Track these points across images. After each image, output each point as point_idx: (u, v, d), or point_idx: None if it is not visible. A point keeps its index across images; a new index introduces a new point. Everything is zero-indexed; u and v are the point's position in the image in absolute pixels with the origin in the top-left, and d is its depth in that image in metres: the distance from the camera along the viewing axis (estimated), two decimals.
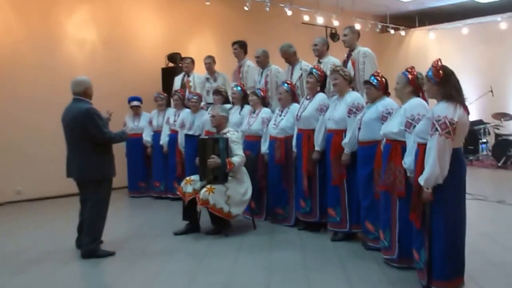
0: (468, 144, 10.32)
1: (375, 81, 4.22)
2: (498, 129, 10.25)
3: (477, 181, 8.34)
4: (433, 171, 3.12)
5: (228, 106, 6.26)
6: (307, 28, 10.27)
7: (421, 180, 3.20)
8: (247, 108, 6.00)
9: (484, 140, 10.27)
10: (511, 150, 9.29)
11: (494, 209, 6.08)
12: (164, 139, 7.14)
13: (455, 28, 11.96)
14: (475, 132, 10.06)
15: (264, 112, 5.70)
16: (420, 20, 12.90)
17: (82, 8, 7.89)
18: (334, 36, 10.33)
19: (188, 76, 7.48)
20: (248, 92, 6.07)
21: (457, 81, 3.31)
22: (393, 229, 3.86)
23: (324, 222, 5.02)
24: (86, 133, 4.16)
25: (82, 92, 4.30)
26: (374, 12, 12.46)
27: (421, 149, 3.33)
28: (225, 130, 5.17)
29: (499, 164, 9.35)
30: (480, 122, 10.40)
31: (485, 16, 11.34)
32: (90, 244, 4.31)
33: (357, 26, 10.22)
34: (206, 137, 5.23)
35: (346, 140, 4.50)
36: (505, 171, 9.08)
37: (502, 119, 10.09)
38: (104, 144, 4.29)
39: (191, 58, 7.55)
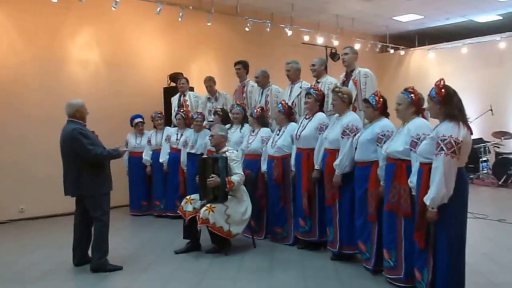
0: (468, 163, 10.16)
1: (373, 100, 4.25)
2: (498, 147, 10.27)
3: (478, 199, 8.33)
4: (439, 190, 3.15)
5: (227, 125, 6.34)
6: (307, 48, 10.38)
7: (427, 199, 3.22)
8: (247, 127, 6.06)
9: (484, 159, 10.27)
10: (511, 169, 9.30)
11: (494, 228, 6.06)
12: (163, 158, 7.18)
13: (454, 48, 12.06)
14: (475, 150, 10.07)
15: (263, 131, 5.75)
16: (420, 40, 13.03)
17: (86, 30, 8.02)
18: (334, 55, 10.44)
19: (184, 95, 7.57)
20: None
21: (460, 101, 3.36)
22: (399, 248, 3.85)
23: (324, 241, 5.02)
24: (73, 152, 4.37)
25: (72, 114, 4.53)
26: (373, 32, 12.60)
27: (425, 168, 3.36)
28: (224, 149, 5.20)
29: (500, 183, 9.35)
30: (480, 140, 10.42)
31: (484, 36, 11.46)
32: (100, 259, 4.46)
33: (357, 46, 10.37)
34: (206, 156, 5.24)
35: (336, 162, 4.52)
36: (505, 189, 9.08)
37: (502, 138, 10.10)
38: (93, 161, 4.41)
39: (185, 78, 7.67)
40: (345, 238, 4.60)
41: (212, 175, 4.89)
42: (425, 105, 3.68)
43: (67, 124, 4.51)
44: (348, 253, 4.66)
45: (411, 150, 3.66)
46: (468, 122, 3.35)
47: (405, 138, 3.74)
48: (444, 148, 3.17)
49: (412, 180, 3.58)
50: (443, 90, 3.33)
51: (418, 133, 3.64)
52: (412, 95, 3.83)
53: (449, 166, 3.16)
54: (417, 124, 3.74)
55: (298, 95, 5.86)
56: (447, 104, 3.31)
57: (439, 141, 3.21)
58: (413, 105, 3.82)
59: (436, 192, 3.17)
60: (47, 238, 6.09)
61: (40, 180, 7.21)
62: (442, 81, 3.39)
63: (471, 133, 3.34)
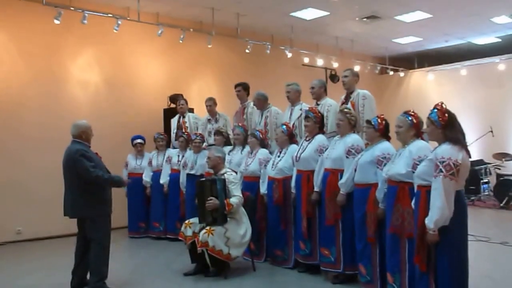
0: (469, 184, 10.28)
1: (376, 122, 4.25)
2: (499, 169, 10.25)
3: (480, 222, 8.27)
4: (442, 212, 3.15)
5: (229, 147, 6.32)
6: (307, 70, 10.45)
7: (430, 222, 3.20)
8: (247, 148, 6.04)
9: (485, 180, 10.24)
10: None
11: (497, 250, 6.01)
12: (164, 179, 7.16)
13: (453, 70, 12.14)
14: (476, 172, 10.03)
15: (261, 153, 5.72)
16: (419, 61, 13.12)
17: (87, 51, 8.08)
18: (333, 77, 10.49)
19: (184, 117, 7.58)
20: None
21: (460, 125, 3.39)
22: (403, 272, 3.81)
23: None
24: (75, 172, 4.36)
25: (77, 135, 4.54)
26: (373, 53, 12.69)
27: (422, 191, 3.36)
28: (222, 171, 5.17)
29: (501, 205, 9.29)
30: (481, 162, 10.40)
31: (483, 58, 11.54)
32: (97, 282, 4.38)
33: (357, 68, 10.45)
34: (204, 179, 5.20)
35: (343, 181, 4.49)
36: (507, 211, 9.01)
37: (503, 159, 10.09)
38: (94, 183, 4.38)
39: (184, 100, 7.73)
40: (348, 258, 4.56)
41: (211, 197, 4.85)
42: (424, 127, 3.68)
43: (72, 144, 4.51)
44: (351, 273, 4.60)
45: (413, 172, 3.63)
46: (467, 146, 3.34)
47: (407, 160, 3.73)
48: (443, 170, 3.18)
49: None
50: (446, 115, 3.36)
51: (420, 155, 3.63)
52: (413, 118, 3.84)
53: (448, 188, 3.16)
54: (419, 146, 3.74)
55: (298, 117, 5.85)
56: (451, 128, 3.34)
57: (438, 163, 3.22)
58: (414, 128, 3.83)
59: (439, 214, 3.16)
60: (44, 260, 6.01)
61: (38, 201, 7.18)
62: (443, 105, 3.41)
63: (470, 157, 3.35)
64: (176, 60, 9.14)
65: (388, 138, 4.30)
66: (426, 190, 3.31)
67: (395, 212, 3.79)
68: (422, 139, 3.84)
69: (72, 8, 7.33)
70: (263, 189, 5.56)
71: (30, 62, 7.44)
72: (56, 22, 7.09)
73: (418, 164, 3.57)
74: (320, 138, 5.03)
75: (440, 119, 3.35)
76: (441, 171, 3.18)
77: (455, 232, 3.23)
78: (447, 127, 3.33)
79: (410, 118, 3.84)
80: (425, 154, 3.59)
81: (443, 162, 3.19)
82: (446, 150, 3.24)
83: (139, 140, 7.49)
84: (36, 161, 7.26)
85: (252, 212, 5.33)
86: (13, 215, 7.04)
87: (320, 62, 10.73)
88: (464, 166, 3.23)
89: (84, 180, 4.35)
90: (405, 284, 3.79)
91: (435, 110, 3.40)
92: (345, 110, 4.74)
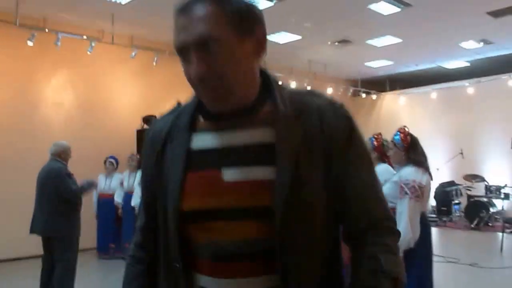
0: (441, 205, 10.47)
1: None
2: (470, 190, 10.44)
3: (450, 243, 8.40)
4: (406, 234, 3.14)
5: None
6: None
7: None
8: None
9: (457, 201, 10.43)
10: (484, 212, 9.41)
11: (466, 272, 6.08)
12: (136, 201, 7.08)
13: (424, 93, 12.43)
14: (447, 193, 10.22)
15: None
16: (391, 84, 13.40)
17: (61, 73, 8.06)
18: None
19: None
20: None
21: (422, 148, 3.45)
22: None
23: None
24: (55, 191, 4.40)
25: (58, 154, 4.64)
26: (346, 77, 12.91)
27: None
28: None
29: (472, 226, 9.43)
30: (452, 183, 10.59)
31: (453, 81, 11.85)
32: None
33: (330, 90, 10.61)
34: None
35: None
36: (478, 232, 9.15)
37: (473, 181, 10.28)
38: (72, 200, 4.47)
39: None
40: None
41: None
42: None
43: (51, 162, 4.59)
44: None
45: None
46: (429, 169, 3.41)
47: None
48: (408, 192, 3.21)
49: None
50: (408, 137, 3.42)
51: (381, 179, 3.64)
52: (375, 141, 3.92)
53: (414, 209, 3.19)
54: (380, 170, 3.74)
55: None
56: (413, 150, 3.40)
57: (403, 185, 3.25)
58: (375, 151, 3.91)
59: (403, 236, 3.16)
60: (12, 281, 5.90)
61: (5, 221, 7.01)
62: (406, 128, 3.48)
63: (432, 179, 3.41)
64: (150, 82, 9.15)
65: None
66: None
67: None
68: (389, 162, 3.87)
69: (46, 30, 7.32)
70: None
71: (4, 83, 7.37)
72: (30, 43, 7.07)
73: None
74: None
75: (403, 141, 3.41)
76: (406, 193, 3.21)
77: (421, 253, 3.25)
78: (410, 149, 3.39)
79: (372, 141, 3.92)
80: (386, 177, 3.61)
81: (408, 184, 3.22)
82: (411, 173, 3.28)
83: (109, 159, 7.50)
84: (4, 181, 7.13)
85: None
86: None
87: (293, 84, 10.85)
88: (427, 188, 3.29)
89: (62, 199, 4.41)
90: None
91: (398, 133, 3.48)
92: None
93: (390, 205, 3.26)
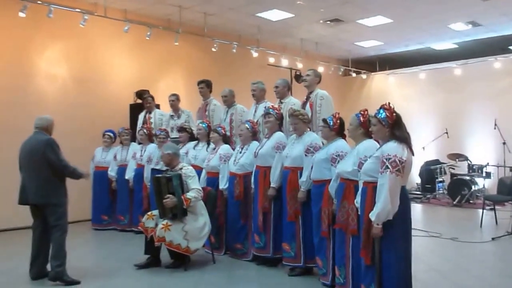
0: (426, 183, 10.76)
1: (331, 121, 4.42)
2: (453, 168, 10.72)
3: (433, 218, 8.68)
4: (384, 206, 3.29)
5: (193, 143, 6.43)
6: (272, 70, 10.65)
7: (373, 215, 3.35)
8: (212, 145, 6.17)
9: (440, 179, 10.72)
10: (465, 189, 9.69)
11: (447, 246, 6.29)
12: (129, 174, 7.23)
13: (413, 73, 12.60)
14: (432, 171, 10.50)
15: (222, 148, 5.84)
16: (381, 64, 13.53)
17: (55, 45, 8.06)
18: (298, 77, 10.71)
19: (150, 113, 7.70)
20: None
21: (405, 125, 3.56)
22: (347, 266, 3.95)
23: (278, 257, 5.07)
24: (45, 161, 4.48)
25: (44, 127, 4.70)
26: (337, 56, 13.02)
27: (369, 187, 3.51)
28: (178, 166, 5.22)
29: (454, 203, 9.71)
30: (436, 162, 10.87)
31: (441, 62, 12.02)
32: (58, 267, 4.48)
33: (321, 69, 10.72)
34: (159, 175, 5.20)
35: (303, 179, 4.64)
36: (459, 209, 9.43)
37: (457, 160, 10.54)
38: (60, 171, 4.55)
39: (151, 97, 7.83)
40: (309, 252, 4.71)
41: (168, 195, 4.92)
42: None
43: (37, 134, 4.63)
44: (312, 266, 4.77)
45: (358, 171, 3.76)
46: (411, 145, 3.52)
47: (354, 159, 3.88)
48: (390, 166, 3.32)
49: (358, 200, 3.72)
50: (394, 114, 3.52)
51: (366, 154, 3.75)
52: (362, 117, 4.00)
53: (394, 183, 3.31)
54: (366, 146, 3.89)
55: (262, 115, 6.00)
56: (397, 127, 3.50)
57: (384, 160, 3.37)
58: (361, 127, 3.98)
59: (382, 208, 3.30)
60: (1, 252, 6.00)
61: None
62: (391, 105, 3.58)
63: (413, 155, 3.52)
64: (143, 56, 9.19)
65: (343, 137, 4.46)
66: (372, 186, 3.46)
67: (341, 208, 3.96)
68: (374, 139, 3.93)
69: (39, 2, 7.28)
70: (222, 184, 5.68)
71: None
72: (21, 14, 7.04)
73: (363, 163, 3.69)
74: (278, 135, 5.17)
75: (389, 118, 3.51)
76: (387, 167, 3.32)
77: (400, 226, 3.38)
78: (394, 126, 3.49)
79: (358, 117, 4.02)
80: (371, 153, 3.69)
81: (389, 159, 3.34)
82: (392, 148, 3.40)
83: (107, 132, 7.61)
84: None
85: (213, 206, 5.44)
86: None
87: (285, 62, 10.95)
88: (408, 164, 3.40)
89: (52, 168, 4.48)
90: (348, 278, 3.96)
91: (383, 110, 3.56)
92: (294, 113, 4.85)
93: (371, 179, 3.44)
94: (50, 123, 4.74)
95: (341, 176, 4.02)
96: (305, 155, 4.66)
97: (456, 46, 11.93)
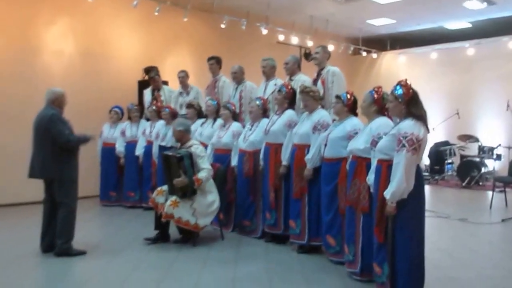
0: (434, 164, 10.69)
1: (345, 97, 4.36)
2: (463, 150, 10.64)
3: (442, 200, 8.62)
4: (400, 185, 3.23)
5: (201, 120, 6.39)
6: (282, 47, 10.51)
7: (387, 194, 3.29)
8: (219, 121, 6.12)
9: (450, 161, 10.63)
10: (475, 171, 9.62)
11: (455, 227, 6.27)
12: (139, 150, 7.22)
13: (424, 53, 12.40)
14: (441, 152, 10.41)
15: (235, 126, 5.82)
16: (392, 43, 13.33)
17: (61, 20, 7.97)
18: (307, 55, 10.59)
19: (159, 90, 7.62)
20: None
21: (422, 102, 3.47)
22: (356, 243, 3.94)
23: (288, 235, 5.06)
24: (49, 136, 4.49)
25: (51, 101, 4.66)
26: (347, 34, 12.81)
27: (383, 165, 3.44)
28: (189, 143, 5.17)
29: (464, 184, 9.66)
30: (446, 143, 10.76)
31: (454, 42, 11.82)
32: (63, 244, 4.53)
33: (330, 48, 10.52)
34: (170, 153, 5.12)
35: (309, 156, 4.60)
36: (468, 190, 9.39)
37: (467, 141, 10.43)
38: (65, 146, 4.53)
39: (158, 75, 7.76)
40: (313, 231, 4.70)
41: (178, 178, 4.87)
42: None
43: (45, 109, 4.62)
44: (316, 244, 4.76)
45: (371, 148, 3.71)
46: (428, 123, 3.44)
47: (367, 136, 3.82)
48: (406, 144, 3.25)
49: (370, 178, 3.67)
50: (410, 91, 3.43)
51: (379, 132, 3.69)
52: (376, 94, 3.92)
53: (410, 162, 3.25)
54: (379, 123, 3.82)
55: (272, 92, 5.93)
56: (414, 104, 3.41)
57: (401, 138, 3.29)
58: (375, 104, 3.90)
59: (397, 186, 3.24)
60: (13, 225, 6.05)
61: (5, 168, 7.14)
62: (407, 81, 3.48)
63: (428, 132, 3.45)
64: (151, 32, 9.09)
65: (355, 114, 4.41)
66: (387, 164, 3.40)
67: (352, 186, 3.92)
68: (389, 115, 3.87)
69: None
70: (234, 161, 5.67)
71: (2, 30, 7.30)
72: None
73: (376, 141, 3.62)
74: (289, 113, 5.12)
75: (405, 95, 3.42)
76: (403, 145, 3.25)
77: (413, 205, 3.34)
78: (411, 103, 3.40)
79: (372, 94, 3.93)
80: (385, 131, 3.63)
81: (406, 137, 3.26)
82: (409, 126, 3.31)
83: (115, 108, 7.57)
84: (4, 128, 7.20)
85: (222, 183, 5.42)
86: None
87: (295, 40, 10.81)
88: (424, 142, 3.34)
89: (56, 142, 4.47)
90: (358, 255, 3.94)
91: (400, 86, 3.47)
92: (305, 90, 4.78)
93: (386, 157, 3.38)
94: (57, 95, 4.68)
95: (353, 153, 3.97)
96: (312, 132, 4.61)
97: (470, 25, 11.68)
